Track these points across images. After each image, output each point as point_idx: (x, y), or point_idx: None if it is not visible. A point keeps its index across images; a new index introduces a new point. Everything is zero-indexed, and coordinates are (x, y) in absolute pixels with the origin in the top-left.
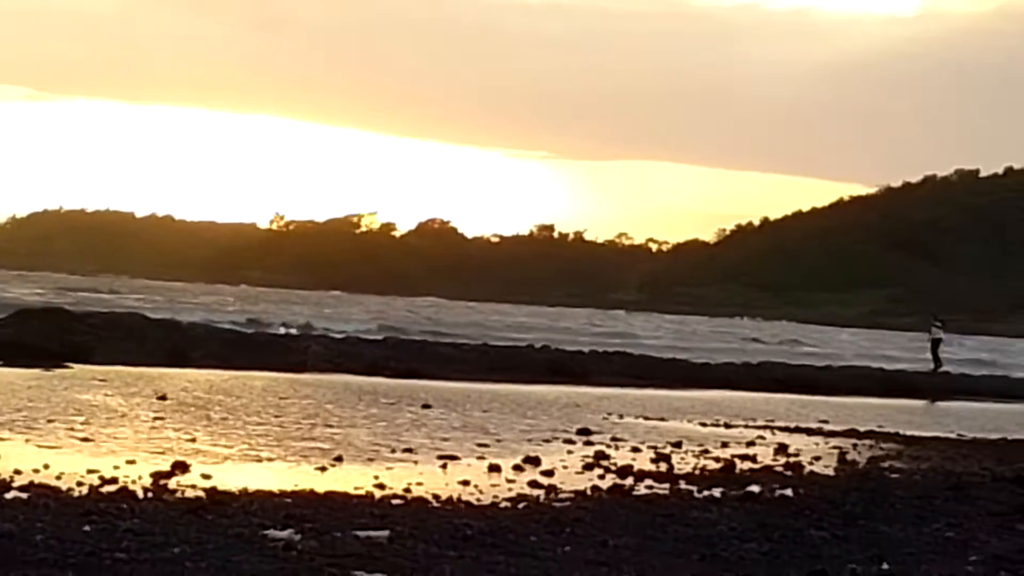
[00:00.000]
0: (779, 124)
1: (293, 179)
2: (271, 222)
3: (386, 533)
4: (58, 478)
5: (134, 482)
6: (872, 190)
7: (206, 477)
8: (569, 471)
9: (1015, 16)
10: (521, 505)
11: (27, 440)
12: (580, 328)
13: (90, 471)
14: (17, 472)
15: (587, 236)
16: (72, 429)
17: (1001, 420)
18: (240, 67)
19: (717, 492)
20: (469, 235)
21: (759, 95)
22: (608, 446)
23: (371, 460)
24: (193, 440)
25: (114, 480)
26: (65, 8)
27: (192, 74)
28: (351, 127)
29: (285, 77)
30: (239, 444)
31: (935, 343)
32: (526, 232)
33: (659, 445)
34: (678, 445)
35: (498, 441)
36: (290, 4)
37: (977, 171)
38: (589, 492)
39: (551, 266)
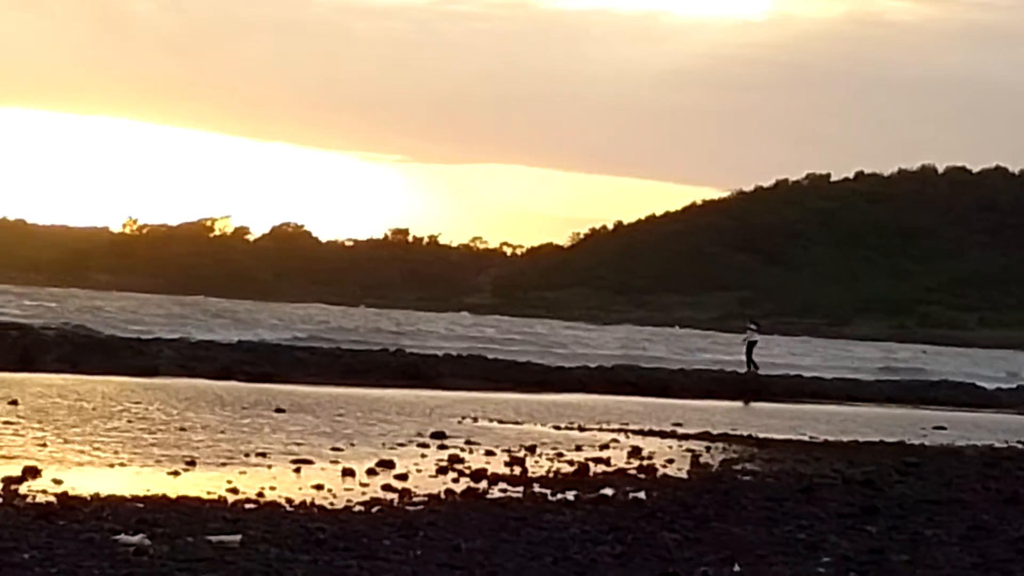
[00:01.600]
0: (634, 128)
1: (147, 182)
2: (124, 225)
3: (238, 537)
4: None
5: None
6: (725, 194)
7: (57, 482)
8: (423, 475)
9: (864, 21)
10: (374, 509)
11: None
12: (433, 331)
13: None
14: None
15: (441, 240)
16: None
17: (850, 423)
18: (92, 68)
19: (571, 495)
20: (323, 239)
21: (613, 99)
22: (462, 450)
23: (224, 464)
24: (44, 445)
25: None
26: None
27: (41, 76)
28: (206, 130)
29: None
30: (91, 449)
31: (750, 346)
32: (380, 236)
33: (513, 448)
34: (532, 449)
35: (352, 445)
36: (140, 7)
37: (828, 175)
38: (443, 496)
39: (405, 269)
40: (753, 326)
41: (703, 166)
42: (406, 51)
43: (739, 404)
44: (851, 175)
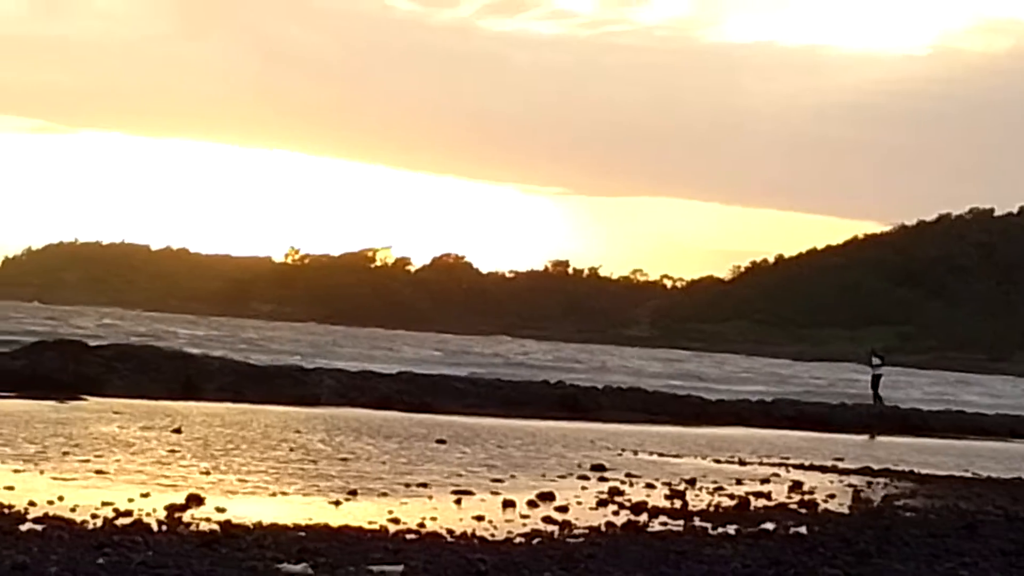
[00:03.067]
0: (795, 162)
1: (309, 213)
2: (286, 255)
3: (400, 568)
4: (72, 510)
5: (148, 515)
6: (886, 228)
7: (220, 510)
8: (583, 507)
9: None
10: (535, 541)
11: (41, 472)
12: (592, 363)
13: (104, 503)
14: (32, 504)
15: (601, 272)
16: (87, 461)
17: (1013, 459)
18: (256, 100)
19: (731, 529)
20: (484, 270)
21: (775, 132)
22: (622, 482)
23: (385, 494)
24: (207, 473)
25: (128, 513)
26: (77, 39)
27: (207, 107)
28: (368, 162)
29: (301, 110)
30: (253, 477)
31: (875, 379)
32: (540, 267)
33: (673, 482)
34: (692, 482)
35: (512, 476)
36: (305, 38)
37: (991, 210)
38: (603, 528)
39: (564, 301)
40: (877, 359)
41: (864, 200)
42: (568, 83)
43: (866, 438)
44: (1014, 210)
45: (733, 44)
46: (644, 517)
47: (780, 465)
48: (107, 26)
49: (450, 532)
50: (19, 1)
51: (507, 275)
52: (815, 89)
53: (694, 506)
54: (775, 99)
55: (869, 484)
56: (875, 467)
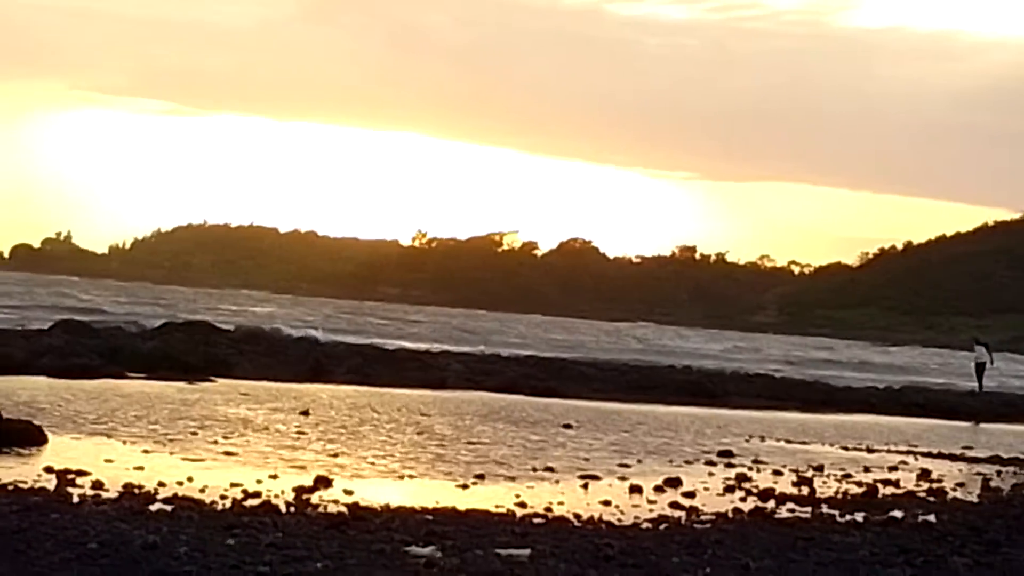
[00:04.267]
0: (925, 148)
1: (437, 197)
2: (413, 239)
3: (527, 552)
4: (202, 491)
5: (277, 496)
6: (1017, 215)
7: (348, 492)
8: (710, 493)
9: None
10: (662, 526)
11: (171, 453)
12: (719, 349)
13: (233, 484)
14: (161, 484)
15: (729, 258)
16: (216, 442)
17: None
18: (384, 83)
19: (859, 516)
20: (610, 255)
21: (905, 118)
22: (749, 468)
23: (512, 478)
24: (335, 455)
25: (257, 494)
26: (207, 22)
27: (335, 90)
28: (496, 145)
29: (429, 94)
30: (381, 460)
31: (979, 367)
32: (667, 253)
33: (800, 468)
34: (820, 468)
35: (639, 461)
36: (433, 22)
37: None
38: (730, 514)
39: (691, 287)
40: (982, 345)
41: (995, 187)
42: (697, 68)
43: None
44: None
45: (864, 29)
46: (771, 504)
47: (908, 453)
48: (238, 9)
49: (577, 516)
50: None
51: (634, 260)
52: (947, 74)
53: (821, 493)
54: (906, 84)
55: (999, 473)
56: (1004, 456)
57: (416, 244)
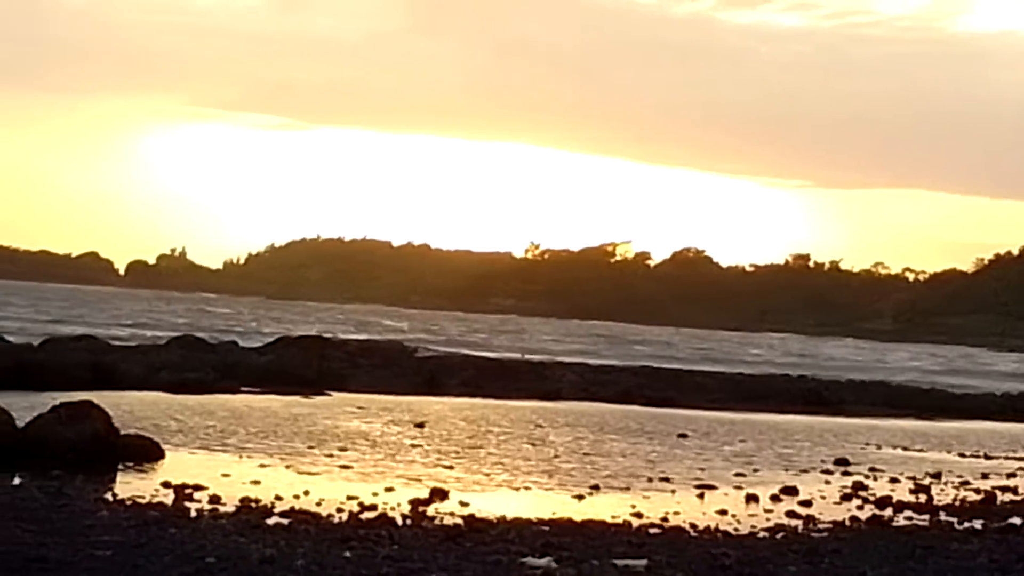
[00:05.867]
0: None
1: (550, 208)
2: (526, 250)
3: (644, 562)
4: (318, 504)
5: (393, 509)
6: None
7: (464, 504)
8: (827, 501)
9: None
10: (778, 535)
11: (287, 467)
12: (834, 358)
13: (349, 497)
14: (278, 498)
15: (843, 265)
16: (331, 456)
17: None
18: (496, 95)
19: (978, 524)
20: (724, 264)
21: (1018, 121)
22: (866, 476)
23: (627, 489)
24: (451, 467)
25: (373, 507)
26: (318, 37)
27: (447, 102)
28: (607, 155)
29: (539, 105)
30: (496, 471)
31: None
32: (781, 261)
33: (918, 476)
34: (937, 476)
35: (755, 471)
36: (543, 32)
37: None
38: (847, 523)
39: (805, 295)
40: None
41: None
42: (809, 75)
43: None
44: None
45: (978, 34)
46: (889, 511)
47: None
48: (345, 23)
49: (693, 526)
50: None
51: (747, 269)
52: None
53: (939, 500)
54: (1020, 88)
55: None
56: None
57: (529, 256)
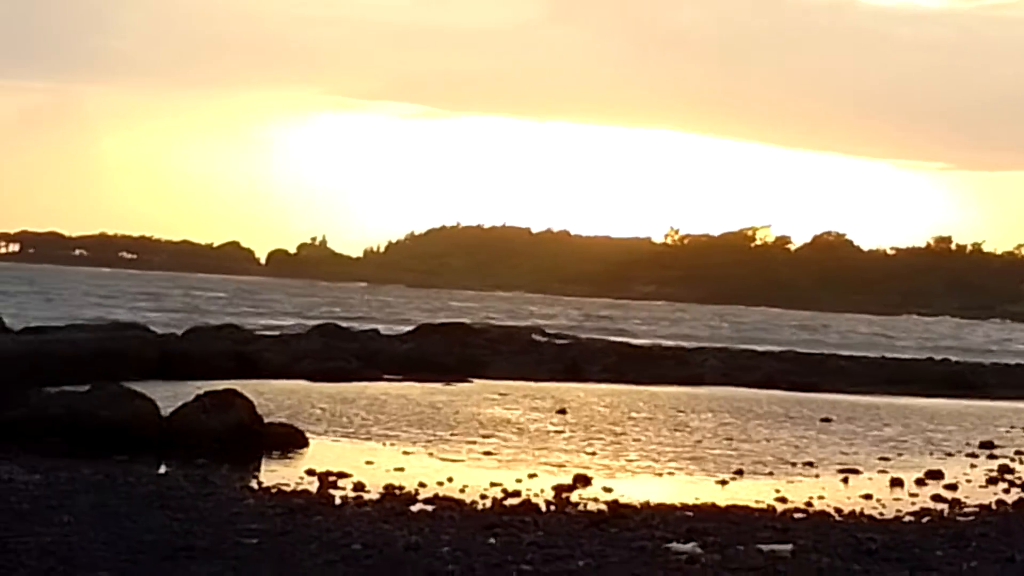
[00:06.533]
0: None
1: (688, 193)
2: (665, 236)
3: (789, 547)
4: (461, 491)
5: (536, 495)
6: None
7: (607, 490)
8: (972, 485)
9: None
10: (924, 519)
11: (430, 454)
12: (977, 340)
13: (493, 484)
14: (422, 485)
15: (985, 248)
16: (474, 442)
17: None
18: (636, 81)
19: None
20: (864, 247)
21: None
22: (1012, 460)
23: (771, 473)
24: (593, 453)
25: (516, 493)
26: (457, 25)
27: (586, 89)
28: (746, 140)
29: (680, 91)
30: (638, 457)
31: None
32: (922, 244)
33: None
34: None
35: (899, 455)
36: (682, 18)
37: None
38: (993, 506)
39: (947, 278)
40: None
41: None
42: (949, 57)
43: None
44: None
45: None
46: None
47: None
48: (484, 12)
49: (838, 511)
50: None
51: (888, 252)
52: None
53: None
54: None
55: None
56: None
57: (668, 241)
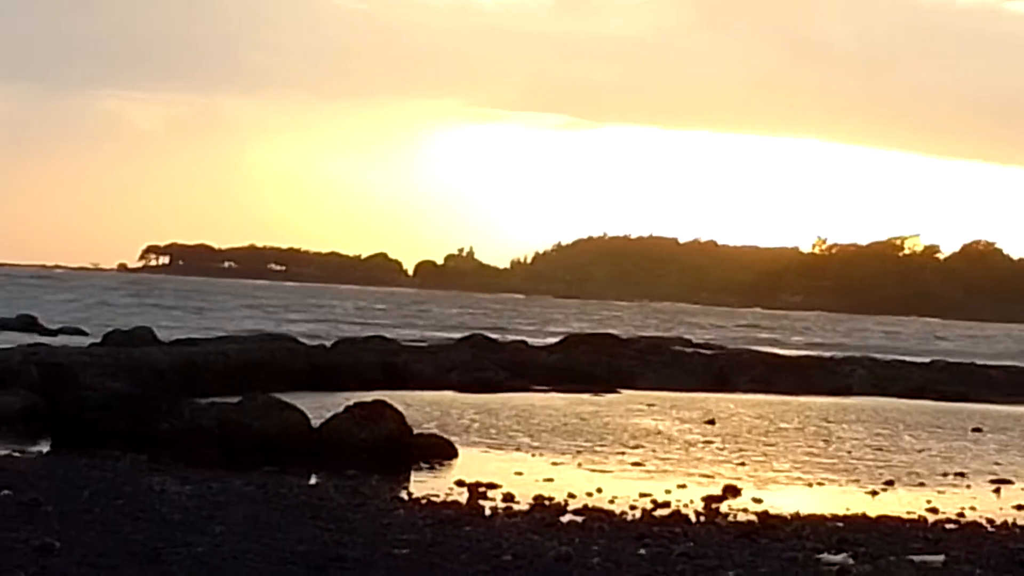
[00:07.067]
0: None
1: (835, 202)
2: (813, 245)
3: (940, 558)
4: (611, 502)
5: (686, 506)
6: None
7: (757, 501)
8: None
9: None
10: None
11: (580, 464)
12: None
13: (642, 495)
14: (571, 496)
15: None
16: (623, 453)
17: None
18: (781, 90)
19: None
20: (1015, 256)
21: None
22: None
23: (922, 484)
24: (742, 464)
25: (666, 504)
26: (603, 35)
27: (730, 98)
28: (892, 149)
29: (825, 100)
30: (787, 468)
31: None
32: None
33: None
34: None
35: None
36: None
37: None
38: None
39: None
40: None
41: None
42: None
43: None
44: None
45: None
46: None
47: None
48: (628, 21)
49: (990, 522)
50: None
51: None
52: None
53: None
54: None
55: None
56: None
57: (816, 251)
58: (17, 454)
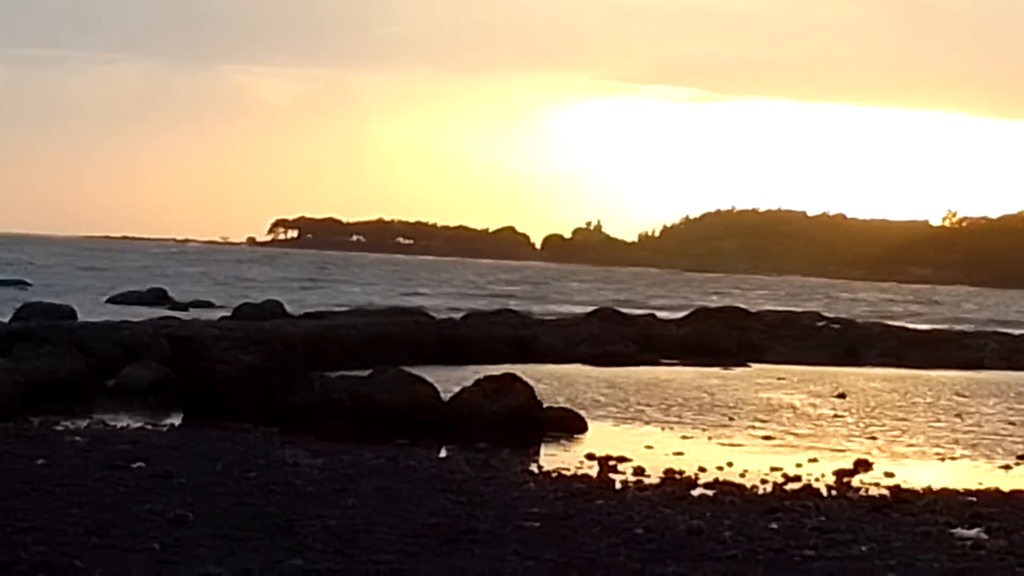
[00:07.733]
0: None
1: (967, 175)
2: (943, 219)
3: None
4: (742, 475)
5: (817, 480)
6: None
7: (888, 475)
8: None
9: None
10: None
11: (710, 438)
12: None
13: (773, 468)
14: (702, 469)
15: None
16: (753, 427)
17: None
18: (912, 63)
19: None
20: None
21: None
22: None
23: None
24: (873, 438)
25: (797, 478)
26: (732, 7)
27: (861, 71)
28: None
29: (956, 72)
30: (919, 442)
31: None
32: None
33: None
34: None
35: None
36: None
37: None
38: None
39: None
40: None
41: None
42: None
43: None
44: None
45: None
46: None
47: None
48: None
49: None
50: None
51: None
52: None
53: None
54: None
55: None
56: None
57: (947, 224)
58: (149, 427)
